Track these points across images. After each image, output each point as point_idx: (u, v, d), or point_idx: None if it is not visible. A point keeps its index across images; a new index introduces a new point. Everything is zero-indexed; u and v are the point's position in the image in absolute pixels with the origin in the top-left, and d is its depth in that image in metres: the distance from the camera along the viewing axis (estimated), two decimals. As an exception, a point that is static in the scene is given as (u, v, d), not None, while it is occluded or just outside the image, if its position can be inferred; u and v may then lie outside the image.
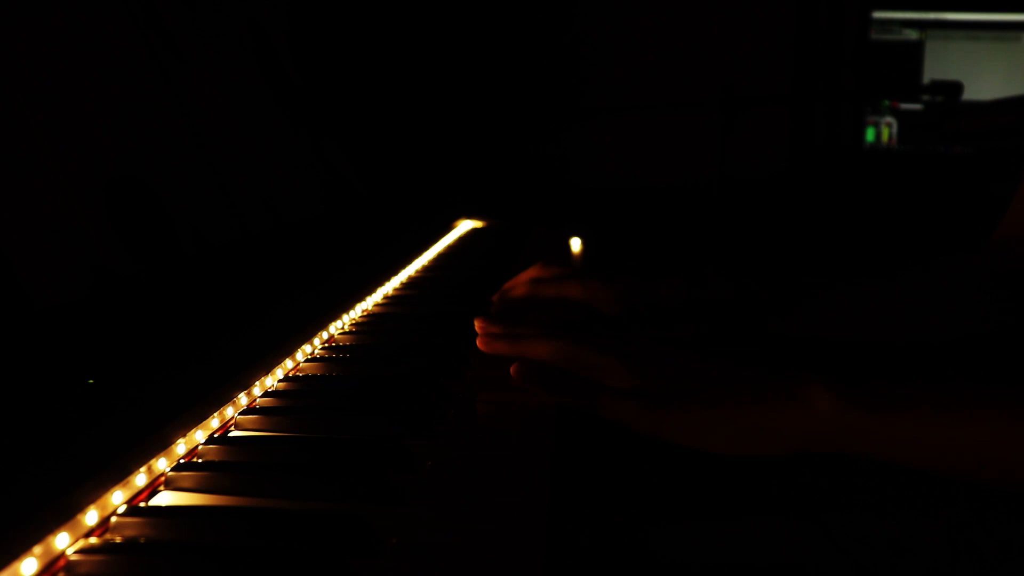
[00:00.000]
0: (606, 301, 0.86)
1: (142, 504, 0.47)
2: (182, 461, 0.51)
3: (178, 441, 0.51)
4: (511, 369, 0.61)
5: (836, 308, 0.88)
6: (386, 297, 0.96)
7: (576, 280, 0.87)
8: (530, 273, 0.94)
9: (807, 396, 0.52)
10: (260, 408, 0.60)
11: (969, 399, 0.51)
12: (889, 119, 2.60)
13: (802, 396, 0.52)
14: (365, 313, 0.89)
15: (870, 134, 2.61)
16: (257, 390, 0.63)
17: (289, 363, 0.69)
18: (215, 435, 0.55)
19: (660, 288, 0.87)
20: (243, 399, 0.60)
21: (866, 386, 0.52)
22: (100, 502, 0.43)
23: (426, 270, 1.14)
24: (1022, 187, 0.84)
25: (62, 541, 0.40)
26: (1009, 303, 0.82)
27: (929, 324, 0.85)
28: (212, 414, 0.56)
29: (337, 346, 0.77)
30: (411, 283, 1.05)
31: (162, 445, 0.50)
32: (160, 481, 0.49)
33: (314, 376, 0.69)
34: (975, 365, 0.80)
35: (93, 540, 0.42)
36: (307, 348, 0.73)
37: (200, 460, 0.52)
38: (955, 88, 2.41)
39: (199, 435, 0.54)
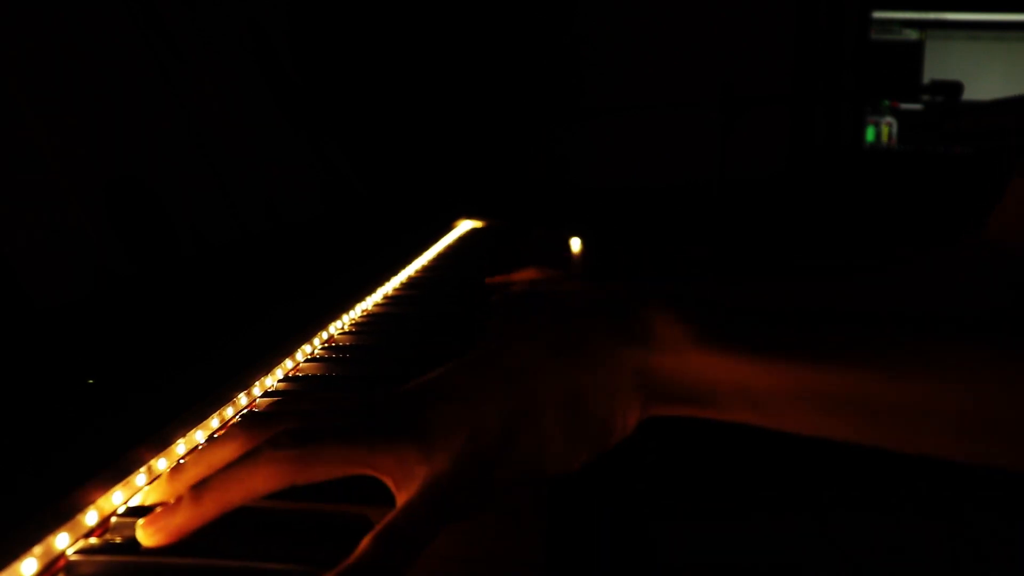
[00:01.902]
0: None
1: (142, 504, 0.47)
2: (182, 461, 0.51)
3: (178, 441, 0.51)
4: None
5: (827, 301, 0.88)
6: (386, 297, 0.96)
7: (572, 284, 0.88)
8: (526, 274, 0.95)
9: (645, 330, 0.40)
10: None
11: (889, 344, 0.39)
12: (889, 119, 2.60)
13: (638, 332, 0.40)
14: (365, 313, 0.89)
15: (870, 134, 2.61)
16: (257, 390, 0.63)
17: (289, 363, 0.69)
18: (215, 435, 0.55)
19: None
20: (243, 399, 0.60)
21: (735, 318, 0.41)
22: (100, 502, 0.43)
23: (426, 270, 1.14)
24: (1008, 194, 0.84)
25: (62, 541, 0.40)
26: (1002, 289, 0.82)
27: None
28: (212, 414, 0.56)
29: (337, 346, 0.77)
30: (411, 283, 1.05)
31: (162, 445, 0.50)
32: (160, 481, 0.49)
33: (314, 376, 0.69)
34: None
35: (93, 540, 0.42)
36: (307, 348, 0.73)
37: (200, 460, 0.52)
38: (955, 88, 2.41)
39: (199, 435, 0.54)
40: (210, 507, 0.39)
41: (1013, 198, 0.82)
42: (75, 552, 0.40)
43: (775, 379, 0.39)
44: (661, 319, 0.40)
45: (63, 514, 0.40)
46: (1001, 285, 0.82)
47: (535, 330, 0.42)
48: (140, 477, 0.47)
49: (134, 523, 0.43)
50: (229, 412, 0.58)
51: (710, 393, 0.39)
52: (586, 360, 0.40)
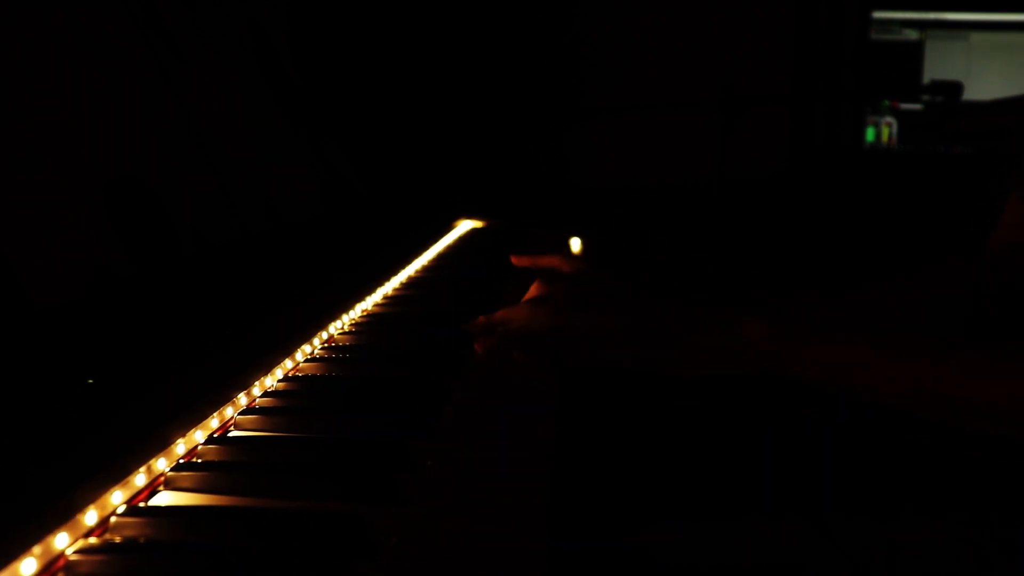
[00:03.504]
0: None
1: (141, 504, 0.47)
2: (181, 461, 0.51)
3: (177, 441, 0.51)
4: None
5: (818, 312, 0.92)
6: (386, 297, 0.96)
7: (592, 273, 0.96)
8: (551, 260, 1.00)
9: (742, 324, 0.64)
10: (260, 408, 0.60)
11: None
12: (889, 119, 2.60)
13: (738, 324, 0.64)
14: (365, 313, 0.89)
15: (870, 134, 2.61)
16: (257, 390, 0.63)
17: (289, 363, 0.69)
18: (214, 435, 0.55)
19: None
20: (243, 399, 0.60)
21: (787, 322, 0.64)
22: (100, 502, 0.43)
23: (426, 270, 1.14)
24: (1006, 213, 0.87)
25: (61, 541, 0.40)
26: (992, 311, 0.85)
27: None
28: (212, 414, 0.56)
29: (337, 346, 0.77)
30: (411, 283, 1.05)
31: (162, 445, 0.50)
32: (160, 481, 0.49)
33: (314, 376, 0.69)
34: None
35: (92, 540, 0.42)
36: (307, 348, 0.73)
37: (199, 460, 0.52)
38: (955, 88, 2.41)
39: (199, 435, 0.54)
40: None
41: (1011, 216, 0.86)
42: (74, 552, 0.40)
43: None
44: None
45: (63, 514, 0.40)
46: (1000, 297, 0.85)
47: None
48: (140, 477, 0.47)
49: (133, 523, 0.44)
50: (229, 412, 0.58)
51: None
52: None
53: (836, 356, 0.62)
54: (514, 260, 1.03)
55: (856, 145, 2.61)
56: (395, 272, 1.05)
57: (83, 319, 0.61)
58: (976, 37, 2.57)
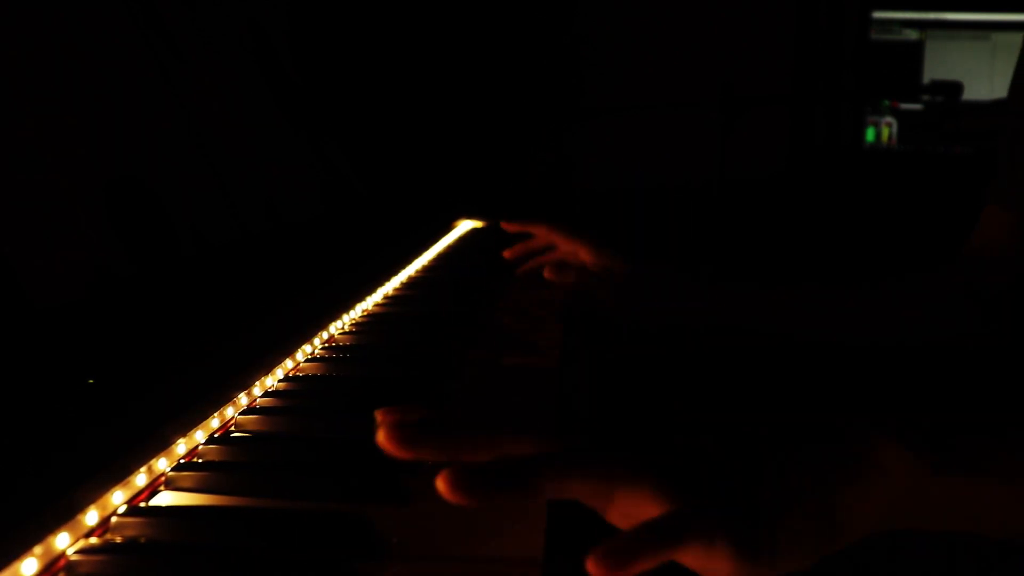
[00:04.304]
0: (617, 269, 0.94)
1: (142, 504, 0.47)
2: (182, 461, 0.51)
3: (178, 441, 0.51)
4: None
5: (805, 309, 0.92)
6: (386, 297, 0.96)
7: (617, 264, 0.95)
8: (539, 231, 1.00)
9: (881, 462, 0.44)
10: (260, 408, 0.60)
11: None
12: (889, 119, 2.60)
13: (876, 463, 0.44)
14: (365, 313, 0.89)
15: (870, 134, 2.61)
16: (257, 390, 0.63)
17: (289, 363, 0.69)
18: (215, 435, 0.55)
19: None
20: (243, 399, 0.60)
21: (948, 442, 0.45)
22: (100, 502, 0.43)
23: (426, 270, 1.14)
24: (982, 219, 0.88)
25: (62, 541, 0.40)
26: (972, 315, 0.86)
27: (891, 330, 0.89)
28: (212, 414, 0.56)
29: (337, 346, 0.77)
30: (411, 283, 1.05)
31: (162, 445, 0.50)
32: (160, 481, 0.49)
33: (314, 376, 0.69)
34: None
35: (93, 540, 0.42)
36: (307, 348, 0.73)
37: (200, 460, 0.52)
38: (955, 88, 2.41)
39: (199, 435, 0.54)
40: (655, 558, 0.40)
41: (986, 223, 0.87)
42: (75, 552, 0.40)
43: (994, 497, 0.44)
44: (892, 452, 0.44)
45: (63, 514, 0.40)
46: (976, 304, 0.86)
47: (807, 457, 0.44)
48: (140, 477, 0.47)
49: (134, 523, 0.44)
50: (230, 412, 0.58)
51: (936, 512, 0.44)
52: (844, 489, 0.43)
53: None
54: (507, 255, 1.03)
55: (856, 145, 2.61)
56: (395, 272, 1.05)
57: (83, 319, 0.61)
58: (976, 37, 2.57)
